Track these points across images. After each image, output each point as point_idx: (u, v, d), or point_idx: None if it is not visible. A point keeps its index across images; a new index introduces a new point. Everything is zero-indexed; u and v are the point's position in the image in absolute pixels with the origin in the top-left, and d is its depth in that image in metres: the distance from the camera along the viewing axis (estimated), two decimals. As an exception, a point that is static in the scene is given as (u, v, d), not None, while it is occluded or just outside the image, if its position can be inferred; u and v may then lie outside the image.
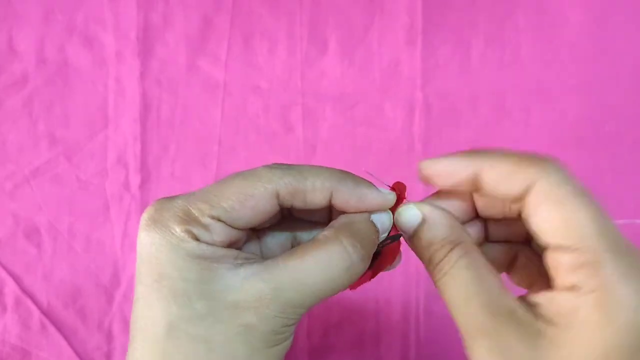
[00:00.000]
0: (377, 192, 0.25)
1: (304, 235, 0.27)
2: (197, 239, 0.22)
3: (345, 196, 0.24)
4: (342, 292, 0.24)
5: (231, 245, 0.23)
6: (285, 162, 0.25)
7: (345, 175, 0.24)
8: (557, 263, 0.21)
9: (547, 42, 0.45)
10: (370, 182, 0.25)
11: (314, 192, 0.24)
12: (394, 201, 0.25)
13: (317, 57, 0.44)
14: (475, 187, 0.24)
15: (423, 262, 0.25)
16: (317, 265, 0.22)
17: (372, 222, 0.25)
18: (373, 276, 0.27)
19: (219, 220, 0.22)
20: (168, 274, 0.22)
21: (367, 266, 0.24)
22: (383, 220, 0.25)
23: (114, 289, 0.43)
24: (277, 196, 0.23)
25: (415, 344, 0.43)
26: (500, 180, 0.23)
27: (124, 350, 0.43)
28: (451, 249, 0.23)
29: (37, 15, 0.43)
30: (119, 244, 0.43)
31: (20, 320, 0.42)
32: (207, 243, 0.22)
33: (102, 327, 0.43)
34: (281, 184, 0.23)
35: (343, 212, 0.25)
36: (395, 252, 0.27)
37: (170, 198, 0.23)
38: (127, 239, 0.43)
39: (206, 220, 0.22)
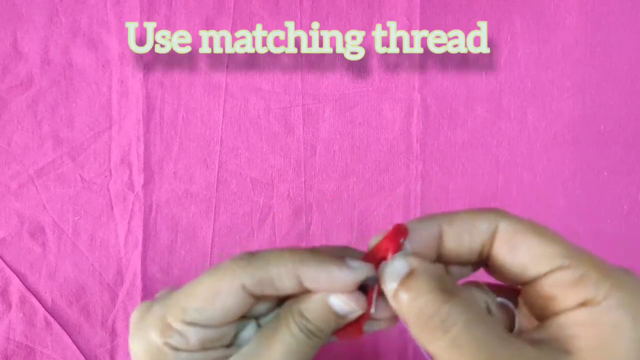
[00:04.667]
0: (346, 269, 0.22)
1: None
2: (174, 348, 0.22)
3: (313, 279, 0.22)
4: None
5: (214, 343, 0.23)
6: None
7: (309, 256, 0.22)
8: (556, 286, 0.21)
9: (542, 43, 0.46)
10: (341, 259, 0.23)
11: (281, 279, 0.22)
12: (367, 274, 0.22)
13: (317, 59, 0.45)
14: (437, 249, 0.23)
15: (410, 324, 0.21)
16: (264, 354, 0.22)
17: (327, 305, 0.23)
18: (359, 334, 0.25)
19: (192, 324, 0.22)
20: None
21: (317, 345, 0.23)
22: (339, 305, 0.23)
23: (118, 287, 0.44)
24: (244, 288, 0.22)
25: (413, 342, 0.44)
26: (462, 232, 0.22)
27: (127, 347, 0.43)
28: (445, 303, 0.21)
29: (42, 18, 0.44)
30: (123, 242, 0.44)
31: (24, 318, 0.43)
32: (185, 350, 0.22)
33: (106, 325, 0.43)
34: (245, 276, 0.22)
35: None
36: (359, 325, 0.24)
37: (150, 304, 0.24)
38: (130, 238, 0.44)
39: (180, 326, 0.22)
